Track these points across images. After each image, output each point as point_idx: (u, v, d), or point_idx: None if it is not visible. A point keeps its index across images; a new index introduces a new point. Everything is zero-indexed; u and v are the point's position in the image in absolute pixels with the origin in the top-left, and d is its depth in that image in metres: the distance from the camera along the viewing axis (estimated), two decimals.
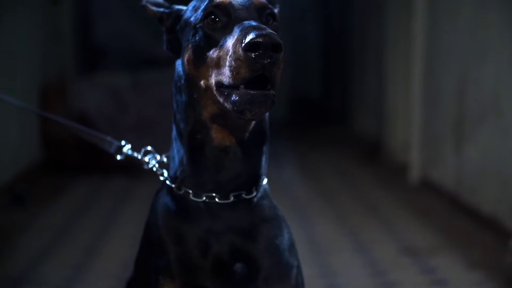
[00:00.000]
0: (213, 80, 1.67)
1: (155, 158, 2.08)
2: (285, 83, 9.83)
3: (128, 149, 2.18)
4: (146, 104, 7.20)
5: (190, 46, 1.76)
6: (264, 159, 1.86)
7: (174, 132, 1.87)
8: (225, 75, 1.62)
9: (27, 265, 4.41)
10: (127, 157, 2.18)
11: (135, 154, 2.14)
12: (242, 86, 1.61)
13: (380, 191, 6.34)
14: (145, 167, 2.09)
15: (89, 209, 5.83)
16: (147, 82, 7.40)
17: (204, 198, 1.80)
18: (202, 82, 1.72)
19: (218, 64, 1.66)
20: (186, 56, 1.77)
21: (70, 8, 7.96)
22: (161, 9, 1.94)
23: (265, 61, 1.57)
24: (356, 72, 9.53)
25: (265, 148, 1.85)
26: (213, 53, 1.69)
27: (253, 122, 1.77)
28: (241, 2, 1.74)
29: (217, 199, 1.79)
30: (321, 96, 11.96)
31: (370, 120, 8.63)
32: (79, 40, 8.32)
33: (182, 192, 1.84)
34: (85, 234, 5.08)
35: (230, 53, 1.61)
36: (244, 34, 1.59)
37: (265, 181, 1.89)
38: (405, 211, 5.63)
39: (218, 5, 1.73)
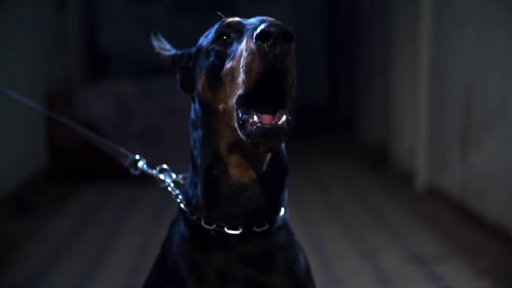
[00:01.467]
0: (233, 101, 1.65)
1: (171, 176, 2.08)
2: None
3: (143, 164, 2.17)
4: (152, 111, 7.21)
5: (203, 71, 1.76)
6: (284, 193, 1.84)
7: (190, 168, 1.87)
8: (240, 83, 1.61)
9: (33, 273, 4.41)
10: (142, 172, 2.17)
11: (150, 171, 2.13)
12: (256, 119, 1.60)
13: (386, 199, 6.33)
14: (161, 185, 2.08)
15: (95, 217, 5.83)
16: (153, 90, 7.42)
17: (214, 226, 1.79)
18: (220, 106, 1.71)
19: (233, 76, 1.65)
20: (200, 83, 1.76)
21: (77, 16, 7.99)
22: (173, 52, 1.98)
23: (277, 50, 1.56)
24: (362, 79, 9.53)
25: (285, 182, 1.83)
26: (226, 66, 1.68)
27: (270, 154, 1.76)
28: (251, 20, 1.75)
29: (225, 229, 1.78)
30: (327, 104, 11.97)
31: (377, 127, 8.62)
32: (85, 48, 8.34)
33: (195, 217, 1.82)
34: (91, 242, 5.08)
35: (243, 54, 1.61)
36: (254, 29, 1.58)
37: (282, 211, 1.86)
38: (412, 218, 5.62)
39: (229, 25, 1.75)
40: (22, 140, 6.34)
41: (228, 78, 1.67)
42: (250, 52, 1.58)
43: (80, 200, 6.40)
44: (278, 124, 1.61)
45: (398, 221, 5.58)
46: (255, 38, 1.56)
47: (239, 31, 1.72)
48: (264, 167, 1.77)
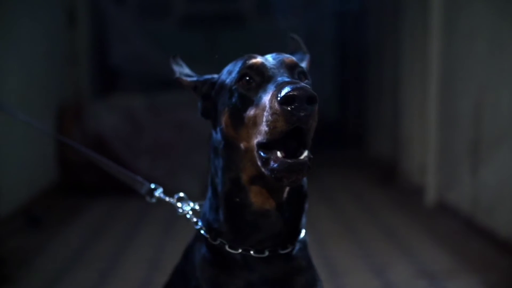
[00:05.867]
0: (254, 142, 1.70)
1: (188, 204, 2.10)
2: None
3: (160, 192, 2.19)
4: (162, 126, 7.22)
5: (227, 109, 1.80)
6: (303, 216, 1.91)
7: (209, 193, 1.91)
8: (262, 132, 1.65)
9: (43, 287, 4.42)
10: (159, 200, 2.19)
11: (168, 199, 2.16)
12: (279, 154, 1.64)
13: (396, 214, 6.32)
14: (179, 213, 2.11)
15: (104, 231, 5.83)
16: (162, 105, 7.43)
17: (240, 251, 1.83)
18: (242, 144, 1.76)
19: (255, 122, 1.70)
20: (224, 119, 1.81)
21: (87, 31, 8.02)
22: (195, 78, 2.00)
23: (301, 114, 1.60)
24: (372, 94, 9.53)
25: (305, 206, 1.90)
26: (249, 112, 1.73)
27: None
28: (272, 62, 1.80)
29: (252, 253, 1.82)
30: (336, 119, 11.95)
31: (386, 142, 8.61)
32: (95, 62, 8.37)
33: (217, 242, 1.86)
34: (101, 256, 5.08)
35: (266, 109, 1.65)
36: (279, 89, 1.62)
37: (303, 233, 1.92)
38: (421, 233, 5.61)
39: (251, 66, 1.78)
40: (31, 155, 6.36)
41: (251, 123, 1.72)
42: (274, 112, 1.62)
43: (90, 214, 6.40)
44: (300, 159, 1.65)
45: (408, 236, 5.57)
46: (280, 101, 1.60)
47: (262, 75, 1.76)
48: (285, 194, 1.81)
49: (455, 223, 5.78)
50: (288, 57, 1.83)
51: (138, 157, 6.94)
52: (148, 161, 6.94)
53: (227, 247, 1.83)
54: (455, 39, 6.03)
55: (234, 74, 1.81)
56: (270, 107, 1.63)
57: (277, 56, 1.83)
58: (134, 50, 8.44)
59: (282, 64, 1.79)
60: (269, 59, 1.81)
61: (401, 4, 7.67)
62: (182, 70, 2.05)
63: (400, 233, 5.67)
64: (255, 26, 10.37)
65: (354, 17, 10.40)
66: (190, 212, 2.06)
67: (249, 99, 1.74)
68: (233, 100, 1.78)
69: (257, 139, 1.68)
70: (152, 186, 2.20)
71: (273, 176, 1.65)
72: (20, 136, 5.92)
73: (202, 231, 1.90)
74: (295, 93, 1.58)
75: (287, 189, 1.81)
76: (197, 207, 2.07)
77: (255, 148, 1.70)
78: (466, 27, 5.79)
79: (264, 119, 1.64)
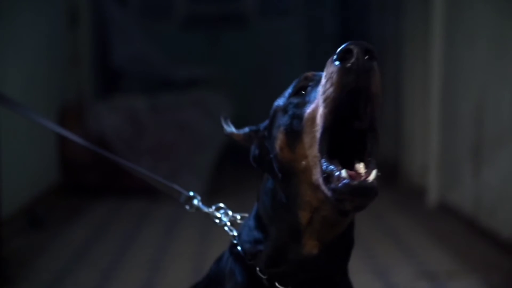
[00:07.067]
0: (315, 150, 1.51)
1: (227, 214, 2.03)
2: None
3: (198, 201, 2.12)
4: (164, 127, 7.22)
5: (281, 128, 1.63)
6: (347, 264, 1.80)
7: (251, 222, 1.79)
8: (320, 121, 1.49)
9: None
10: (198, 209, 2.12)
11: (206, 209, 2.08)
12: (344, 173, 1.46)
13: (397, 215, 6.32)
14: (217, 223, 2.02)
15: (106, 232, 5.83)
16: (164, 105, 7.43)
17: (266, 276, 1.72)
18: (300, 164, 1.57)
19: (313, 119, 1.53)
20: (278, 143, 1.63)
21: (89, 31, 8.02)
22: (247, 130, 1.87)
23: (360, 70, 1.44)
24: None
25: (350, 254, 1.79)
26: (306, 111, 1.56)
27: (345, 223, 1.69)
28: None
29: (276, 283, 1.71)
30: None
31: (388, 143, 8.60)
32: (97, 63, 8.37)
33: (251, 262, 1.75)
34: (102, 257, 5.09)
35: (323, 84, 1.49)
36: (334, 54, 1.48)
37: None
38: (423, 234, 5.61)
39: (306, 77, 1.66)
40: (33, 155, 6.36)
41: (309, 123, 1.54)
42: (330, 77, 1.46)
43: (92, 214, 6.41)
44: (368, 182, 1.48)
45: (410, 237, 5.57)
46: (335, 58, 1.46)
47: (318, 81, 1.59)
48: (336, 238, 1.69)
49: (457, 224, 5.77)
50: None
51: (140, 158, 6.93)
52: (150, 161, 6.94)
53: (257, 271, 1.72)
54: (457, 40, 6.03)
55: (288, 91, 1.69)
56: (325, 76, 1.47)
57: None
58: (136, 51, 8.44)
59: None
60: None
61: (402, 5, 7.67)
62: (232, 129, 1.93)
63: (402, 234, 5.67)
64: (258, 26, 10.38)
65: (355, 17, 10.41)
66: (229, 224, 1.98)
67: (304, 102, 1.59)
68: (289, 113, 1.61)
69: (317, 142, 1.50)
70: (191, 193, 2.13)
71: (334, 197, 1.47)
72: (22, 137, 5.92)
73: (239, 248, 1.79)
74: (351, 46, 1.43)
75: (340, 230, 1.69)
76: (238, 219, 1.99)
77: (318, 156, 1.50)
78: (468, 28, 5.79)
79: (320, 95, 1.49)
